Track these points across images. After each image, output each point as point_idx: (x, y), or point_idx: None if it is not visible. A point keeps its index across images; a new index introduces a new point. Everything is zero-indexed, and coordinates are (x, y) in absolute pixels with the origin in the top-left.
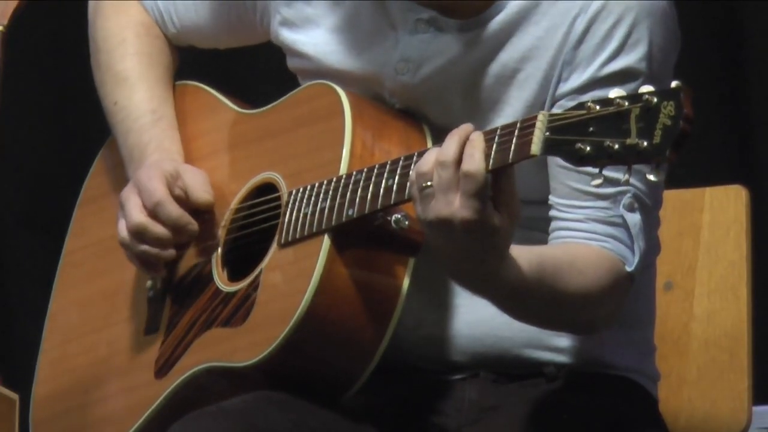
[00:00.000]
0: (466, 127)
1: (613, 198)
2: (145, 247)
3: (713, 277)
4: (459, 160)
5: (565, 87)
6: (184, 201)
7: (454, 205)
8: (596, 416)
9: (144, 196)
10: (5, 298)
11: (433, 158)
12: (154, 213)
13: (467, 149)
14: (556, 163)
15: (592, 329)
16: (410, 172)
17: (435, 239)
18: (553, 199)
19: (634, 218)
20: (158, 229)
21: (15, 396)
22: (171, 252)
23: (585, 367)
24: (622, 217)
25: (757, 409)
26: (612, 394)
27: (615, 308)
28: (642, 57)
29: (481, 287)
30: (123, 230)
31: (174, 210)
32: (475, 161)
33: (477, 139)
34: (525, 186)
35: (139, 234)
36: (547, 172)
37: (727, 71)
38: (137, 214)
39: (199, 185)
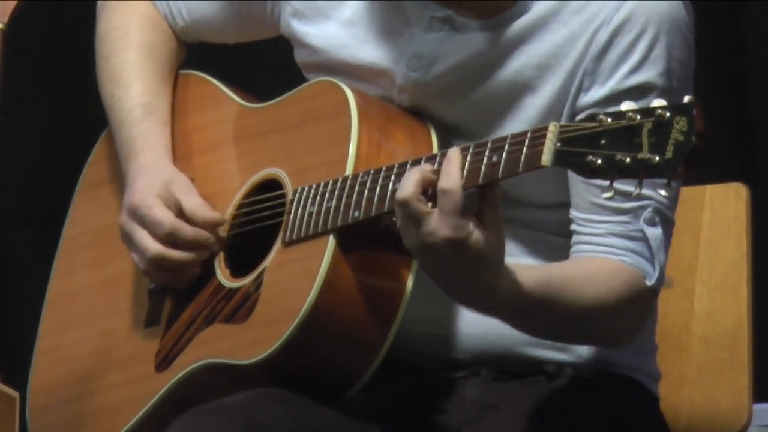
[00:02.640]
0: (420, 168)
1: (634, 212)
2: (171, 275)
3: (713, 275)
4: (417, 193)
5: (586, 98)
6: (180, 216)
7: (431, 226)
8: (597, 414)
9: (152, 228)
10: (5, 295)
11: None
12: (170, 242)
13: (444, 166)
14: (578, 179)
15: (612, 343)
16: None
17: (426, 265)
18: (573, 213)
19: (655, 232)
20: (179, 255)
21: (15, 393)
22: (196, 270)
23: (586, 366)
24: (642, 231)
25: (757, 406)
26: (613, 392)
27: (636, 322)
28: (662, 71)
29: (483, 306)
30: (141, 263)
31: (189, 232)
32: (452, 178)
33: (454, 156)
34: (530, 188)
35: (160, 264)
36: (552, 177)
37: (728, 69)
38: (152, 245)
39: (199, 205)
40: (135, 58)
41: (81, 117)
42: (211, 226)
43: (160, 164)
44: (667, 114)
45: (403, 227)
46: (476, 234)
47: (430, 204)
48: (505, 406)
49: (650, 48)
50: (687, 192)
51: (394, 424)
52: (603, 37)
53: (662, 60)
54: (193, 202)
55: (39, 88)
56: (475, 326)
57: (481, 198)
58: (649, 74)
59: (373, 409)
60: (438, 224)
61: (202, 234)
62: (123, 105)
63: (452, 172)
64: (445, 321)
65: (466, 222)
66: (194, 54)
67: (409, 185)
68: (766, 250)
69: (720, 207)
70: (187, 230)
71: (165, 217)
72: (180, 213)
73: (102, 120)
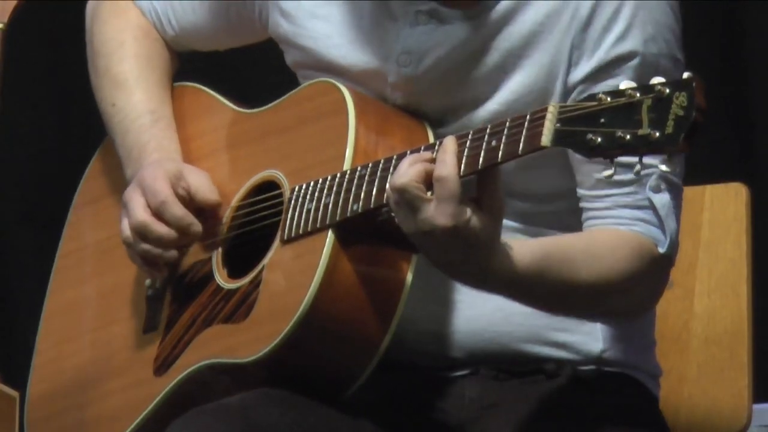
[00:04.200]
0: (415, 155)
1: (639, 182)
2: (147, 246)
3: (713, 275)
4: (414, 180)
5: (576, 73)
6: (187, 201)
7: (427, 214)
8: (597, 414)
9: (149, 196)
10: (5, 295)
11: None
12: (158, 212)
13: (439, 155)
14: (578, 156)
15: (628, 315)
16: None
17: (421, 247)
18: (579, 191)
19: (662, 199)
20: (161, 229)
21: (15, 393)
22: (173, 253)
23: (585, 364)
24: (648, 199)
25: (757, 407)
26: (611, 391)
27: (651, 291)
28: (649, 38)
29: (479, 283)
30: (126, 228)
31: (178, 210)
32: (447, 166)
33: (449, 144)
34: (525, 180)
35: (141, 232)
36: (549, 167)
37: (728, 69)
38: (141, 213)
39: (205, 186)
40: (133, 67)
41: (81, 117)
42: (211, 207)
43: (175, 160)
44: (667, 90)
45: (399, 213)
46: (473, 220)
47: (429, 192)
48: (505, 405)
49: (634, 14)
50: (687, 192)
51: (392, 423)
52: (585, 8)
53: (647, 26)
54: (201, 182)
55: (39, 88)
56: (473, 323)
57: (481, 183)
58: (635, 41)
59: (372, 409)
60: (435, 212)
61: (189, 217)
62: (128, 113)
63: (447, 160)
64: (443, 318)
65: (463, 209)
66: (187, 64)
67: (405, 172)
68: (766, 250)
69: (720, 207)
70: (177, 208)
71: (163, 188)
72: (187, 200)
73: (102, 120)
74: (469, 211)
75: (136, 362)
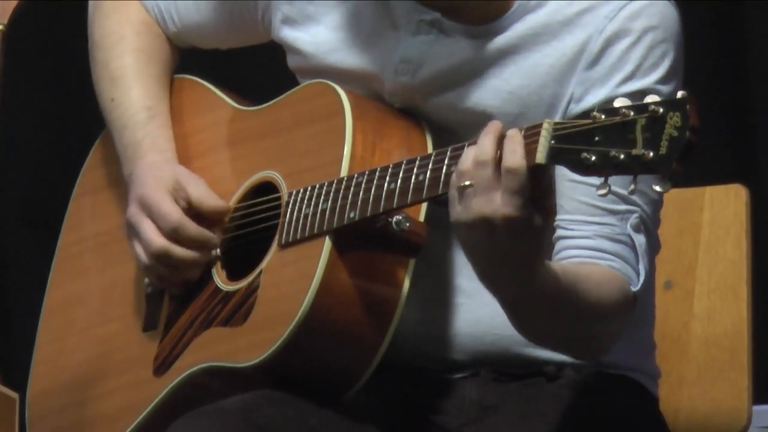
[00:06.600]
0: (496, 124)
1: (622, 215)
2: (171, 273)
3: (713, 276)
4: (497, 158)
5: (579, 108)
6: (188, 211)
7: (496, 203)
8: (597, 416)
9: (159, 221)
10: (5, 295)
11: (471, 157)
12: (174, 237)
13: (508, 145)
14: (566, 178)
15: (598, 348)
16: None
17: (473, 241)
18: (559, 217)
19: (640, 239)
20: (182, 252)
21: (15, 395)
22: (196, 272)
23: (585, 366)
24: (629, 236)
25: (757, 408)
26: (612, 393)
27: (620, 328)
28: (657, 79)
29: (513, 294)
30: (144, 256)
31: (193, 230)
32: (517, 157)
33: (516, 135)
34: None
35: (163, 258)
36: None
37: (728, 70)
38: (157, 238)
39: (205, 194)
40: (133, 62)
41: (81, 117)
42: (219, 215)
43: (169, 163)
44: (661, 110)
45: (464, 195)
46: (535, 217)
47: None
48: (505, 407)
49: (644, 57)
50: (687, 193)
51: (393, 425)
52: (595, 47)
53: (656, 68)
54: (201, 192)
55: (39, 89)
56: (474, 326)
57: (531, 183)
58: (643, 82)
59: (372, 411)
60: (501, 201)
61: (206, 233)
62: (125, 109)
63: (517, 151)
64: (444, 321)
65: (527, 203)
66: (187, 58)
67: (488, 144)
68: (766, 251)
69: (720, 208)
70: (191, 227)
71: (173, 211)
72: (188, 210)
73: (102, 121)
74: (531, 206)
75: (136, 361)
